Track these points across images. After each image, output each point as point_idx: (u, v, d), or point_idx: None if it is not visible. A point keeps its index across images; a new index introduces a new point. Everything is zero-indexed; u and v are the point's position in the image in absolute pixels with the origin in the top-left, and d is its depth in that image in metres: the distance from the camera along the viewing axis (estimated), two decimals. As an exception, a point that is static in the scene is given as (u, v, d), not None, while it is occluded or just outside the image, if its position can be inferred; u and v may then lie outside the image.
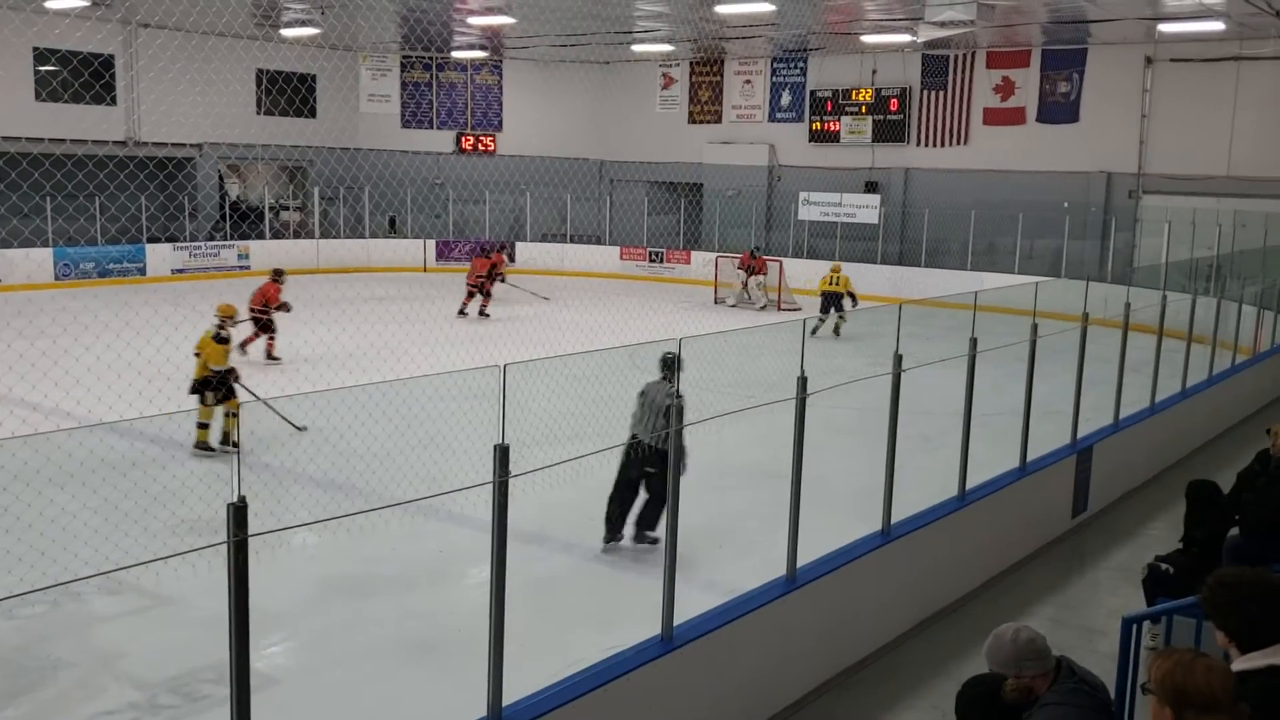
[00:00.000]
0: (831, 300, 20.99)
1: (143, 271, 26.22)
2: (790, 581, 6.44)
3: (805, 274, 26.71)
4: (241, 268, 27.90)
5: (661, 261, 30.03)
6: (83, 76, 24.67)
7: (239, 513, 3.82)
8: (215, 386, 11.08)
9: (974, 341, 8.11)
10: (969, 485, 8.27)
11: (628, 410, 8.56)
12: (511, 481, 4.67)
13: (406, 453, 9.66)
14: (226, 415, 11.16)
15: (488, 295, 22.11)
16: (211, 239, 28.46)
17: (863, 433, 9.67)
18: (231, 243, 28.27)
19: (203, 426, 11.10)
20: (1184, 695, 3.13)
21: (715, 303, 25.25)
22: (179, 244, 27.43)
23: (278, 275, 17.05)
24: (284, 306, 16.32)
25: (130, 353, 12.35)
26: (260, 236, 29.32)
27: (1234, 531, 7.05)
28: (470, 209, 31.88)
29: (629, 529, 8.73)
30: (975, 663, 4.43)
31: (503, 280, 23.08)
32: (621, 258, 30.36)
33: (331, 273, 28.62)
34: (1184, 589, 6.22)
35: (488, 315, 21.81)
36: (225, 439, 11.19)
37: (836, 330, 20.27)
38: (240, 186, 32.65)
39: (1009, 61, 26.49)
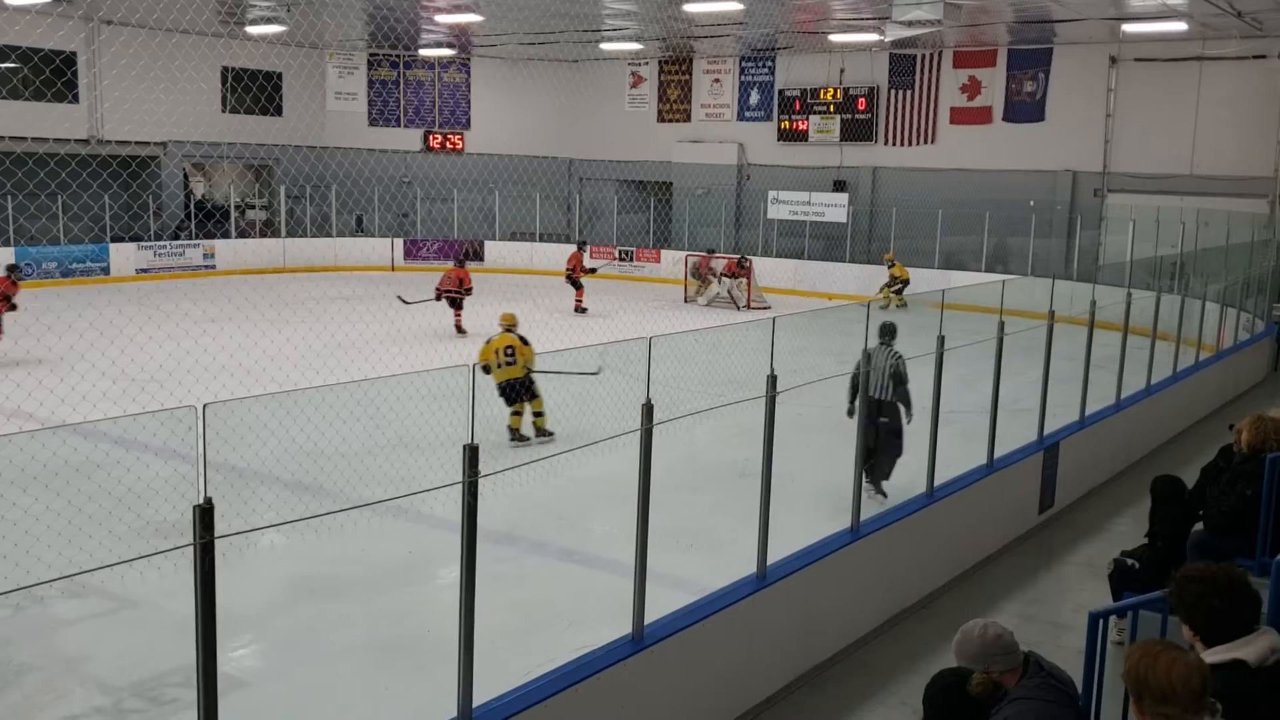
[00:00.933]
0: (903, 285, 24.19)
1: (106, 271, 25.94)
2: (760, 579, 6.45)
3: (775, 273, 26.81)
4: (207, 267, 27.67)
5: (631, 260, 30.04)
6: (44, 74, 24.38)
7: (205, 514, 3.79)
8: (529, 383, 12.21)
9: (941, 339, 8.17)
10: (937, 482, 8.32)
11: (597, 410, 8.56)
12: (481, 481, 4.66)
13: (375, 453, 9.62)
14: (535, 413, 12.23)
15: (579, 287, 23.27)
16: (176, 238, 28.20)
17: (832, 431, 9.71)
18: (196, 242, 28.02)
19: (519, 415, 12.15)
20: (1144, 685, 3.20)
21: (685, 301, 25.26)
22: (143, 243, 27.14)
23: (464, 261, 21.22)
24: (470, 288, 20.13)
25: (94, 353, 12.22)
26: (226, 236, 29.08)
27: (1198, 527, 7.12)
28: (438, 208, 31.76)
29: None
30: (944, 658, 4.46)
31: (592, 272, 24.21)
32: (591, 256, 30.31)
33: (298, 272, 28.44)
34: (1149, 584, 6.28)
35: (584, 310, 22.83)
36: (540, 430, 12.15)
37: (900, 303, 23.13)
38: (205, 185, 32.37)
39: (975, 61, 26.68)
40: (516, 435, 12.00)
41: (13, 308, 16.15)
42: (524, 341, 12.32)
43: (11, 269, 17.20)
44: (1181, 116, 23.72)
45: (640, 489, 5.62)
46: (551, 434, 12.04)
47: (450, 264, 21.41)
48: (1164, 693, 3.17)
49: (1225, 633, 3.71)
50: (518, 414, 12.11)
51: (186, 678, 6.35)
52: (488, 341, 12.56)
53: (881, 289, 24.22)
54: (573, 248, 24.93)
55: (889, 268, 25.00)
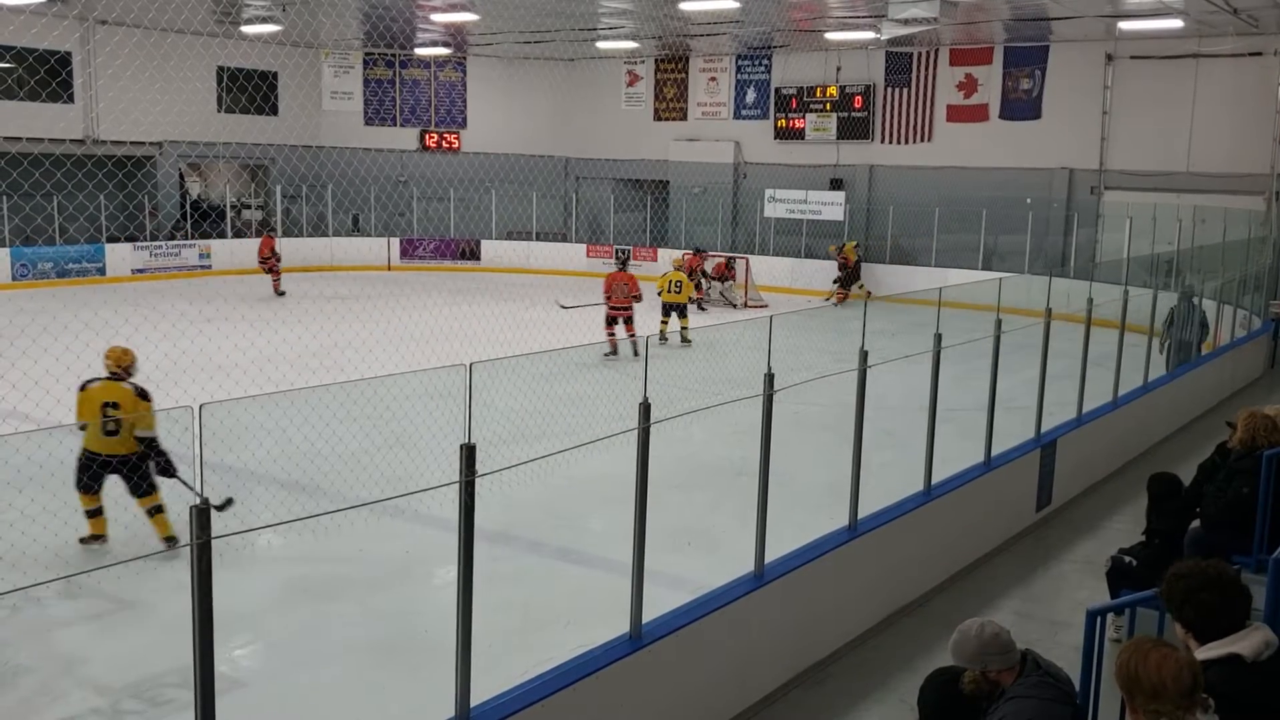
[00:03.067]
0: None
1: (102, 271, 25.90)
2: (758, 578, 6.45)
3: (772, 271, 26.81)
4: (203, 267, 27.63)
5: (628, 259, 29.99)
6: (39, 74, 24.34)
7: (201, 515, 3.78)
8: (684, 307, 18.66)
9: (938, 337, 8.16)
10: (934, 480, 8.32)
11: (594, 408, 8.56)
12: (478, 481, 4.65)
13: (372, 453, 9.61)
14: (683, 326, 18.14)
15: (699, 288, 23.91)
16: (172, 238, 28.15)
17: (829, 429, 9.71)
18: (192, 242, 27.97)
19: (665, 323, 18.45)
20: (1135, 683, 3.21)
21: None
22: (139, 243, 27.10)
23: (700, 251, 24.89)
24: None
25: (90, 354, 12.16)
26: (222, 235, 29.05)
27: (1195, 524, 7.13)
28: (434, 207, 31.73)
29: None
30: (941, 656, 4.46)
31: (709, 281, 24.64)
32: (588, 255, 30.30)
33: (294, 271, 28.37)
34: (1147, 581, 6.28)
35: (704, 309, 23.77)
36: (683, 338, 17.81)
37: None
38: (201, 185, 32.31)
39: (972, 58, 26.67)
40: (662, 337, 17.87)
41: (638, 299, 17.98)
42: (690, 277, 19.62)
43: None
44: (1178, 114, 23.73)
45: (638, 488, 5.62)
46: (690, 342, 17.50)
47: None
48: (1155, 690, 3.18)
49: (1216, 629, 3.71)
50: (664, 323, 18.29)
51: (184, 678, 6.33)
52: (664, 275, 19.12)
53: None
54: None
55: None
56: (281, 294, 24.00)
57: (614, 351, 17.06)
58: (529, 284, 24.54)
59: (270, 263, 24.24)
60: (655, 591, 5.76)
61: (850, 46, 26.96)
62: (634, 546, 5.60)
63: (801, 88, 28.97)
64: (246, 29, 26.28)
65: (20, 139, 21.70)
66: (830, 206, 27.72)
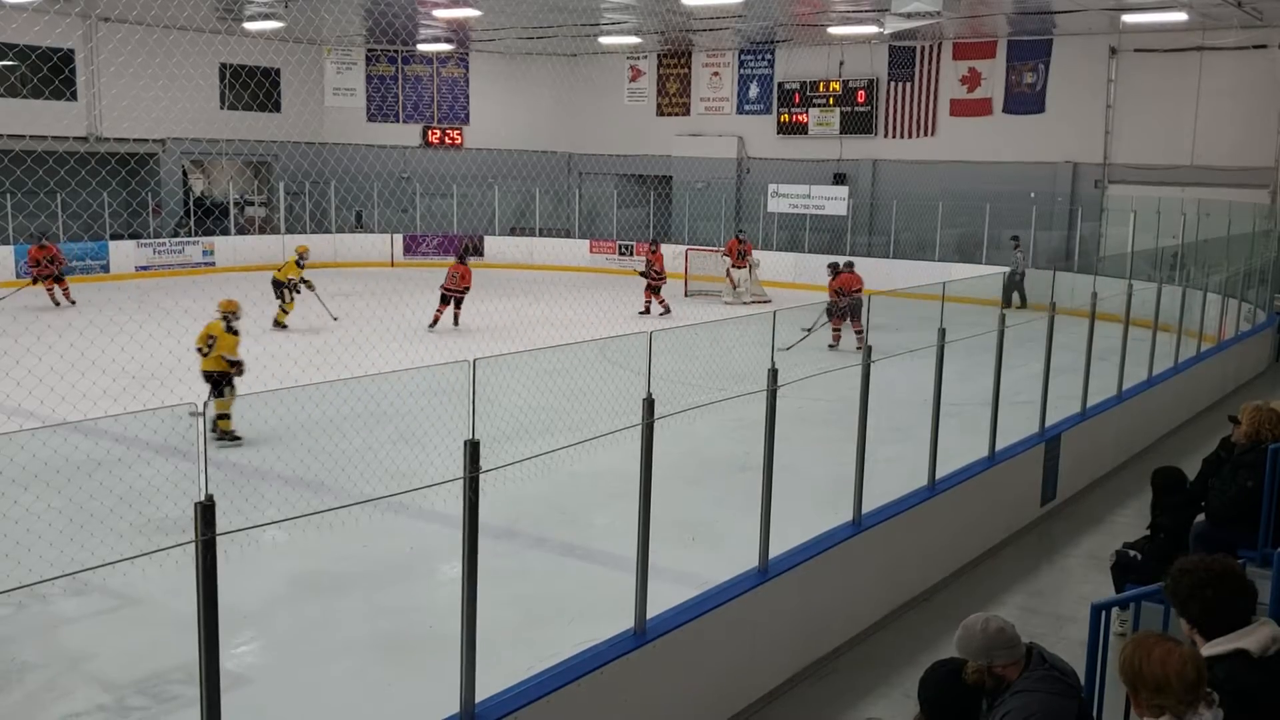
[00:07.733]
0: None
1: (106, 269, 25.91)
2: (762, 573, 6.45)
3: (776, 266, 26.74)
4: (206, 264, 27.63)
5: (631, 254, 29.98)
6: (42, 71, 24.36)
7: (206, 511, 3.78)
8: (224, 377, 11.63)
9: (942, 332, 8.15)
10: (939, 475, 8.31)
11: (598, 404, 8.57)
12: (482, 477, 4.65)
13: (376, 449, 9.62)
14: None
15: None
16: (176, 235, 28.16)
17: (833, 424, 9.71)
18: (196, 239, 27.97)
19: (224, 417, 11.52)
20: (1139, 678, 3.21)
21: (686, 296, 25.20)
22: (143, 241, 27.12)
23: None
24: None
25: (94, 351, 12.20)
26: (225, 233, 29.03)
27: (1200, 518, 7.12)
28: (437, 203, 31.73)
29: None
30: (946, 651, 4.45)
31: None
32: (591, 251, 30.28)
33: (298, 268, 28.40)
34: (1152, 576, 6.27)
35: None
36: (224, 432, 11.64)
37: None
38: (204, 182, 32.32)
39: (975, 52, 26.62)
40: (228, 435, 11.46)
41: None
42: (230, 331, 11.93)
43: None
44: (1182, 107, 23.69)
45: (642, 483, 5.61)
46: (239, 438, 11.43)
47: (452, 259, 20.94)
48: (1158, 684, 3.18)
49: (1221, 624, 3.70)
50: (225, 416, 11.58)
51: (189, 675, 6.34)
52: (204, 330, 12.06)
53: None
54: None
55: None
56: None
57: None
58: (532, 280, 24.49)
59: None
60: (659, 587, 5.76)
61: (853, 41, 26.92)
62: (638, 542, 5.60)
63: (804, 82, 28.94)
64: (249, 26, 26.30)
65: (23, 136, 21.71)
66: (833, 201, 27.64)
